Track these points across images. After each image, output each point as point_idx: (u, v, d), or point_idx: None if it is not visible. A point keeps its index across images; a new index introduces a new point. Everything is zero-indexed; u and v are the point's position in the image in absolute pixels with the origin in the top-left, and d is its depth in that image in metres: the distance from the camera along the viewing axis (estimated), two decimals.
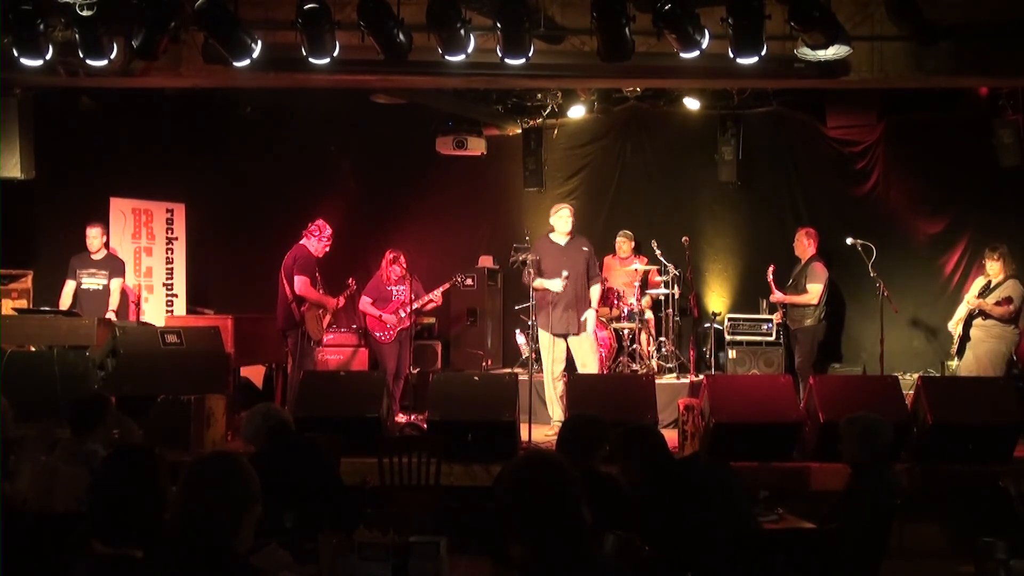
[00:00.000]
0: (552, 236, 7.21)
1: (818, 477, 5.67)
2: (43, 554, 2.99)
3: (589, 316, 7.15)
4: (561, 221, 7.13)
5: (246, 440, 4.30)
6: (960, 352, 7.41)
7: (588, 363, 7.03)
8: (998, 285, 7.26)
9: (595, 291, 7.24)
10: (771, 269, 7.99)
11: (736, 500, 3.42)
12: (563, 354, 7.12)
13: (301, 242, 7.44)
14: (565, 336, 7.06)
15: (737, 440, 5.74)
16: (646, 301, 8.48)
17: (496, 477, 2.25)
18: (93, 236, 7.80)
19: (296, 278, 7.23)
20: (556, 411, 6.98)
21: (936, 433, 5.80)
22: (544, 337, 7.11)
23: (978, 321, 7.28)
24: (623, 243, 8.74)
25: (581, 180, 9.63)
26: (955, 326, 7.46)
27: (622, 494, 3.73)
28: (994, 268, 7.33)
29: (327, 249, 7.49)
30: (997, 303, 7.16)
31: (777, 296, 7.95)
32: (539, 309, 7.12)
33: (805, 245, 7.96)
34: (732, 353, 8.19)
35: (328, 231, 7.46)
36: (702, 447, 5.96)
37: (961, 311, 7.47)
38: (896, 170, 8.89)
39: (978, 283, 7.49)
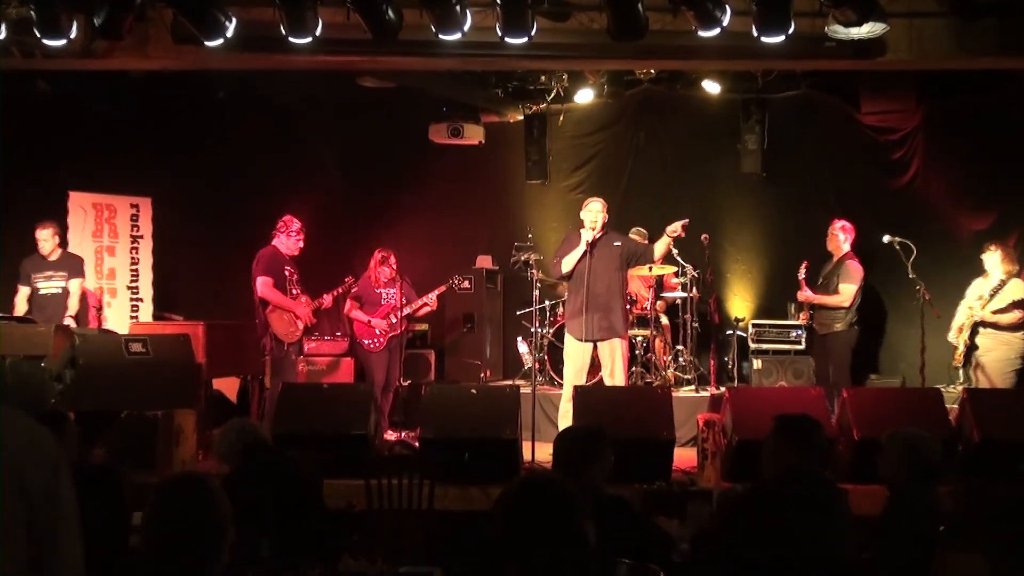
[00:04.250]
0: (583, 232, 7.13)
1: (853, 500, 5.60)
2: None
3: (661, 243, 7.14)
4: (590, 216, 7.09)
5: (219, 459, 4.31)
6: (966, 363, 7.40)
7: (617, 373, 6.98)
8: (997, 289, 7.24)
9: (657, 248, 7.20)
10: (804, 265, 7.93)
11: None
12: (588, 365, 7.08)
13: (272, 241, 7.46)
14: (595, 342, 7.01)
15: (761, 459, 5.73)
16: (660, 305, 8.48)
17: (495, 501, 2.24)
18: (44, 239, 7.75)
19: (258, 279, 7.28)
20: None
21: (983, 451, 5.79)
22: (571, 344, 7.07)
23: (984, 328, 7.29)
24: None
25: (589, 172, 9.64)
26: (956, 335, 7.43)
27: (633, 518, 3.72)
28: (993, 260, 7.30)
29: (300, 244, 7.50)
30: (1004, 310, 7.15)
31: (806, 295, 7.89)
32: (568, 312, 7.10)
33: (840, 240, 7.87)
34: (757, 363, 8.17)
35: (296, 225, 7.46)
36: (724, 467, 5.95)
37: (960, 318, 7.44)
38: (937, 160, 8.88)
39: (976, 286, 7.44)
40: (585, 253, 6.93)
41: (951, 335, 7.49)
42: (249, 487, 3.57)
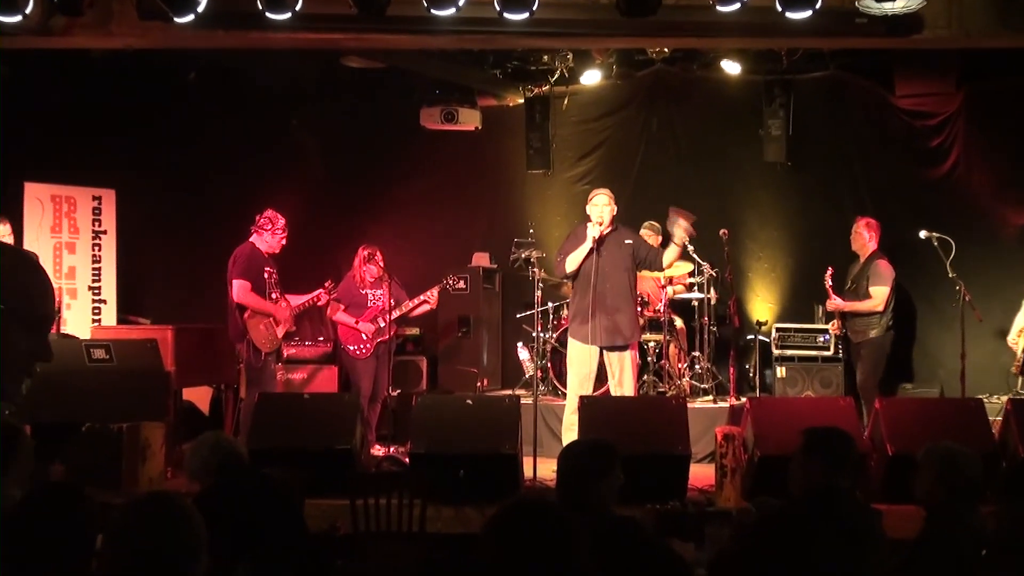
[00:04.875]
0: (589, 228, 7.13)
1: (886, 522, 5.58)
2: None
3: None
4: (595, 210, 7.09)
5: (190, 477, 4.31)
6: None
7: (626, 383, 7.00)
8: None
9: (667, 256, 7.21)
10: (829, 273, 7.96)
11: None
12: (594, 373, 7.08)
13: (251, 239, 7.46)
14: (602, 349, 7.01)
15: (787, 476, 5.73)
16: (671, 291, 8.46)
17: (483, 526, 2.24)
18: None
19: (235, 282, 7.27)
20: None
21: None
22: (576, 350, 7.07)
23: None
24: (648, 237, 8.73)
25: (596, 161, 9.65)
26: (1017, 338, 7.44)
27: (645, 542, 3.72)
28: None
29: (284, 242, 7.51)
30: None
31: (836, 303, 7.91)
32: (573, 315, 7.11)
33: (865, 239, 7.92)
34: (781, 371, 8.19)
35: (281, 221, 7.48)
36: (745, 486, 5.95)
37: (1020, 320, 7.46)
38: (979, 148, 8.90)
39: None
40: (591, 250, 6.94)
41: (1011, 339, 7.51)
42: (223, 507, 3.56)
